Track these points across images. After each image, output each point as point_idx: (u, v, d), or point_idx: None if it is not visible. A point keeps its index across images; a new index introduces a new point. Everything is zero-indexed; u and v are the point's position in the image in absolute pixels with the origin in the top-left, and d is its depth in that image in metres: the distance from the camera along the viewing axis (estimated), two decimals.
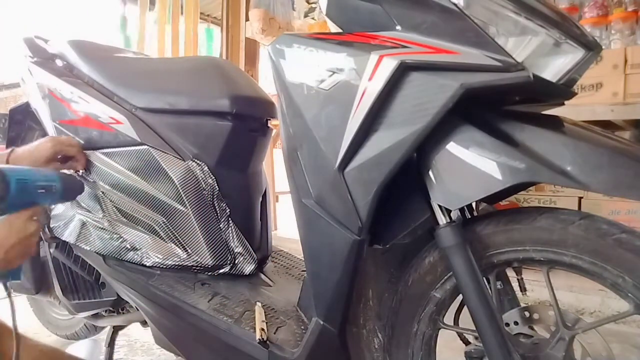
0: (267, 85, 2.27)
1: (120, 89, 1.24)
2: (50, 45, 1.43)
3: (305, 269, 0.93)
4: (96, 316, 1.36)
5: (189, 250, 1.17)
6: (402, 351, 0.88)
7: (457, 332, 0.91)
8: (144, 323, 1.30)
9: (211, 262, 1.17)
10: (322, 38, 0.81)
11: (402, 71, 0.72)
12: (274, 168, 3.39)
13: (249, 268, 1.21)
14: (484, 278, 0.78)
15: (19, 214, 0.87)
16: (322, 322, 0.87)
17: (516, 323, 0.81)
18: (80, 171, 1.22)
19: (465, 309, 0.79)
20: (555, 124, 0.76)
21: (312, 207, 0.83)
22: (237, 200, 1.23)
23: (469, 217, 0.91)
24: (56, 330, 1.76)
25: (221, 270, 1.19)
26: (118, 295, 1.22)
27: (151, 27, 3.38)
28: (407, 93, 0.72)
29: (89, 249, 1.22)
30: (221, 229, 1.19)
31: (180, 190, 1.15)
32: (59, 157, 1.15)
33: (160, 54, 3.27)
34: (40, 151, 1.12)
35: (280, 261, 1.39)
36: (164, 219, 1.17)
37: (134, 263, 1.19)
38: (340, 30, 0.84)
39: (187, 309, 1.04)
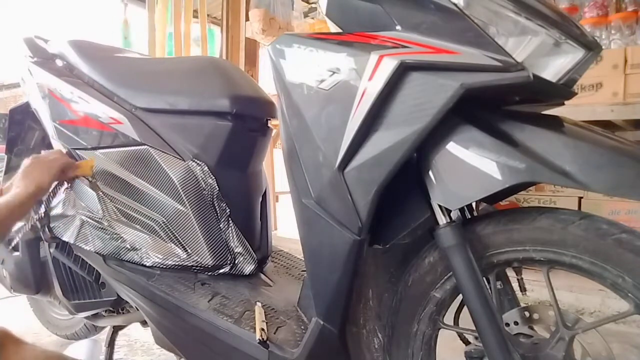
0: (267, 85, 2.26)
1: (120, 89, 1.24)
2: (50, 45, 1.43)
3: (305, 269, 0.93)
4: (96, 316, 1.36)
5: (189, 250, 1.17)
6: (402, 351, 0.88)
7: (457, 332, 0.91)
8: (144, 323, 1.30)
9: (211, 262, 1.17)
10: (322, 38, 0.81)
11: (402, 71, 0.72)
12: (274, 168, 3.39)
13: (249, 268, 1.21)
14: (484, 278, 0.78)
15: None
16: (322, 322, 0.87)
17: (516, 323, 0.81)
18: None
19: (465, 309, 0.79)
20: (555, 124, 0.75)
21: (312, 207, 0.83)
22: (237, 200, 1.23)
23: (469, 217, 0.91)
24: (56, 330, 1.76)
25: (221, 270, 1.19)
26: (118, 295, 1.22)
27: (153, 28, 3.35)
28: (407, 93, 0.72)
29: (89, 249, 1.22)
30: (221, 229, 1.19)
31: (180, 190, 1.15)
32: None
33: (161, 54, 3.25)
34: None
35: (280, 261, 1.39)
36: (163, 219, 1.17)
37: (134, 263, 1.19)
38: (340, 30, 0.84)
39: (187, 309, 1.04)
